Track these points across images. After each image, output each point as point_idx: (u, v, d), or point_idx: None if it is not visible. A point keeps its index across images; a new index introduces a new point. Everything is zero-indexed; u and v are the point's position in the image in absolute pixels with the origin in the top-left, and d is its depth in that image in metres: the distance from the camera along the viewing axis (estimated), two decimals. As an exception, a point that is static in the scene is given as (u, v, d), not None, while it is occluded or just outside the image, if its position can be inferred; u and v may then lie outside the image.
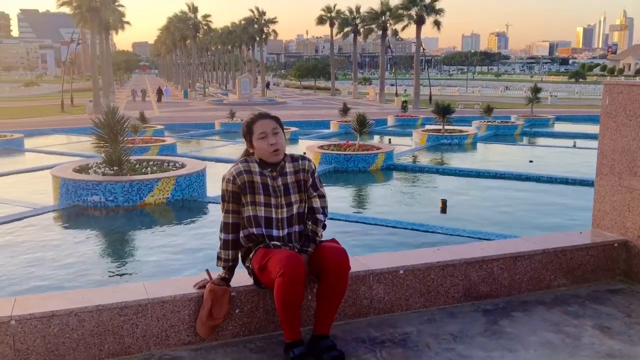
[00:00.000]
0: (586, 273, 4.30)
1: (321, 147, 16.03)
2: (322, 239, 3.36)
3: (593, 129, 20.94)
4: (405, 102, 41.54)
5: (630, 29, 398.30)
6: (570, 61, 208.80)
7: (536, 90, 30.74)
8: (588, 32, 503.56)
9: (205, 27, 72.91)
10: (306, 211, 3.35)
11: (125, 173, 10.83)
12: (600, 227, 4.55)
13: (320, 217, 3.34)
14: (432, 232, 8.52)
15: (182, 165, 11.75)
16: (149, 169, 11.35)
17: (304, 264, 3.08)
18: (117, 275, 7.08)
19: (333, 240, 3.37)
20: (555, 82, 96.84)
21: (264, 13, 68.65)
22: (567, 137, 23.08)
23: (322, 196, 3.39)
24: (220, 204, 3.35)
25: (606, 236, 4.43)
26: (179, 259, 7.49)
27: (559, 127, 28.53)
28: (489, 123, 25.68)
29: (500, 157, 18.59)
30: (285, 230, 3.26)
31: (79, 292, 3.45)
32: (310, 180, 3.36)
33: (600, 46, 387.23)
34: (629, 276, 4.35)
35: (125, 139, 11.57)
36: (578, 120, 31.80)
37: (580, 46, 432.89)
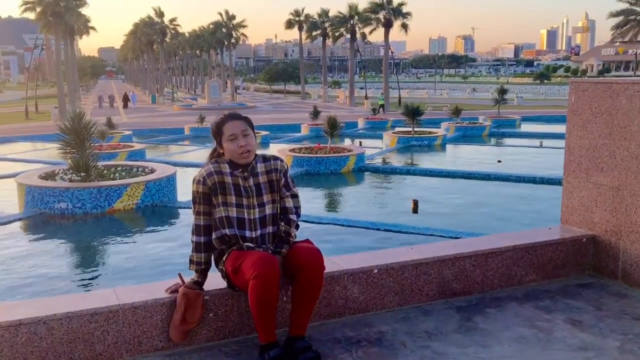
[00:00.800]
0: (556, 268, 4.36)
1: (292, 150, 16.02)
2: (296, 240, 3.34)
3: (558, 128, 21.39)
4: (382, 105, 41.75)
5: (592, 31, 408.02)
6: (535, 63, 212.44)
7: (503, 91, 31.28)
8: (552, 34, 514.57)
9: (173, 32, 72.25)
10: (279, 212, 3.33)
11: (92, 179, 10.64)
12: (569, 223, 4.63)
13: (293, 217, 3.31)
14: (404, 232, 8.58)
15: (152, 170, 11.60)
16: (117, 174, 11.18)
17: (278, 264, 3.05)
18: (86, 282, 6.94)
19: (307, 240, 3.35)
20: (521, 83, 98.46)
21: (233, 17, 68.25)
22: (534, 137, 23.51)
23: (294, 196, 3.37)
24: (191, 207, 3.31)
25: (575, 232, 4.50)
26: (150, 264, 7.38)
27: (526, 127, 29.07)
28: (458, 124, 26.02)
29: (469, 158, 18.83)
30: (258, 232, 3.22)
31: (47, 299, 3.37)
32: (283, 180, 3.33)
33: (563, 48, 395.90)
34: (597, 270, 4.43)
35: (92, 144, 11.38)
36: (544, 121, 32.45)
37: (545, 48, 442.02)
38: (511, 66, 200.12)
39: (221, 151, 3.28)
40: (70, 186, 10.12)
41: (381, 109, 40.65)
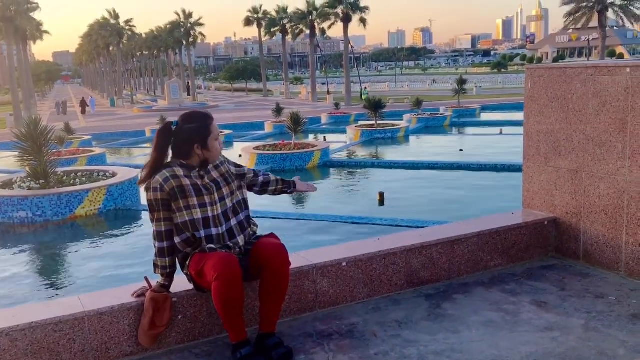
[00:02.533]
0: (520, 252, 4.45)
1: (257, 148, 15.94)
2: (260, 235, 3.36)
3: (517, 116, 21.78)
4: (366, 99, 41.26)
5: (546, 19, 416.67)
6: (492, 52, 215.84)
7: (462, 82, 31.71)
8: (507, 24, 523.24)
9: (129, 33, 70.86)
10: (245, 198, 3.40)
11: (52, 186, 10.39)
12: (531, 207, 4.72)
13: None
14: (372, 224, 8.63)
15: (113, 175, 11.40)
16: (77, 180, 10.94)
17: (239, 264, 3.03)
18: (50, 292, 6.78)
19: (272, 234, 3.35)
20: (479, 73, 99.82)
21: (190, 15, 67.27)
22: (494, 126, 23.90)
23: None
24: (149, 214, 3.23)
25: (536, 215, 4.59)
26: (116, 270, 7.25)
27: (485, 116, 29.56)
28: (419, 116, 26.28)
29: (432, 148, 19.04)
30: (224, 227, 3.20)
31: (9, 310, 3.27)
32: (232, 168, 3.36)
33: (519, 37, 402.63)
34: (560, 252, 4.54)
35: (51, 151, 11.11)
36: (502, 109, 33.00)
37: (501, 37, 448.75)
38: (469, 57, 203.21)
39: (199, 152, 3.17)
40: (29, 194, 9.87)
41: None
